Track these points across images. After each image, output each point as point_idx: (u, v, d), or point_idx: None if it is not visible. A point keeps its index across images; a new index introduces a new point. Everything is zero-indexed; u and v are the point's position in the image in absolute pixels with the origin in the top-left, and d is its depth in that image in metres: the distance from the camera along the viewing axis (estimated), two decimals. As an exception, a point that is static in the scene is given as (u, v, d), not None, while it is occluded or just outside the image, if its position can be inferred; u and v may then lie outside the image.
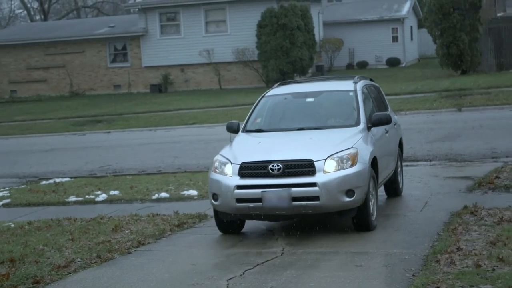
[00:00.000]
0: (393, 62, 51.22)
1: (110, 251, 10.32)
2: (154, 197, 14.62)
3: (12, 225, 12.59)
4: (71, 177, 18.39)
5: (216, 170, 10.47)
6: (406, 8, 52.69)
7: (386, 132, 11.90)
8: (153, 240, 11.01)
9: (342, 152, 10.13)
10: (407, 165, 15.61)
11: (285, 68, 41.62)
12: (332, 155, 10.07)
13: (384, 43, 51.69)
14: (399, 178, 12.87)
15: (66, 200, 15.07)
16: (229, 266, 9.28)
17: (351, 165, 10.05)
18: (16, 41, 49.10)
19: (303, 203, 9.91)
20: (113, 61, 47.78)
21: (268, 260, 9.39)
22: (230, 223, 10.81)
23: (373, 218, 10.57)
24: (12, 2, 79.54)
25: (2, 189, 17.10)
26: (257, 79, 43.97)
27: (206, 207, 13.24)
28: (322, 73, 43.60)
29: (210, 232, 11.30)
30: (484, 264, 8.34)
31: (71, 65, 48.05)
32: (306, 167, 9.99)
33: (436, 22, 38.83)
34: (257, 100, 12.04)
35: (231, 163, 10.32)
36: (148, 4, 45.24)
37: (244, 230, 11.16)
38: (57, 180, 17.96)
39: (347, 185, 9.95)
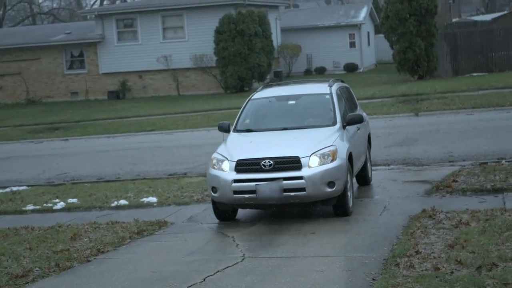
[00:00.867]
0: (350, 68, 51.53)
1: (68, 260, 10.23)
2: (113, 205, 14.50)
3: (-32, 235, 12.40)
4: (28, 185, 18.15)
5: (215, 166, 11.83)
6: (363, 14, 53.08)
7: (358, 130, 13.33)
8: (113, 248, 10.93)
9: (323, 149, 11.55)
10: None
11: (244, 74, 41.62)
12: (315, 152, 11.49)
13: (342, 49, 51.98)
14: (368, 168, 14.37)
15: (24, 208, 14.88)
16: (189, 273, 9.25)
17: (332, 161, 11.48)
18: (-30, 48, 48.40)
19: (292, 193, 11.28)
20: (70, 68, 47.32)
21: (228, 267, 9.39)
22: (226, 212, 12.15)
23: (350, 205, 11.91)
24: (-34, 8, 78.34)
25: (-43, 199, 16.81)
26: (215, 86, 43.90)
27: (166, 214, 13.21)
28: (280, 79, 43.56)
29: (170, 239, 11.27)
30: (443, 267, 8.43)
31: (27, 72, 47.49)
32: (293, 162, 11.40)
33: (392, 27, 39.19)
34: (245, 103, 13.44)
35: (227, 160, 11.70)
36: (104, 10, 44.93)
37: (204, 236, 11.38)
38: (14, 188, 17.72)
39: (329, 178, 11.37)
